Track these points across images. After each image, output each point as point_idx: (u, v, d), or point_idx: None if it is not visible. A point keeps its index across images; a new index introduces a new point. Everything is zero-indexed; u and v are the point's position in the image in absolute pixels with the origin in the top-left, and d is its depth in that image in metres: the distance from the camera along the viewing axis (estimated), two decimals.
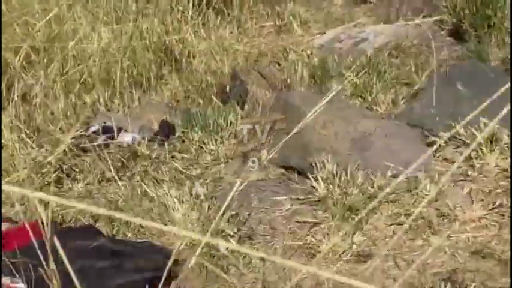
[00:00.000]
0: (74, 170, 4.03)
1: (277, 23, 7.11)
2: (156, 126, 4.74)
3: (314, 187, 3.47)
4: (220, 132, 4.17)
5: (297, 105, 3.85)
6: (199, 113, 4.54)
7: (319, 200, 3.42)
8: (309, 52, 6.30)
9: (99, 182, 3.95)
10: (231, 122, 4.20)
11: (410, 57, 5.68)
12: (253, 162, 3.89)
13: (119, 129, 4.42)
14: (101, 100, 5.27)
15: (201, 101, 5.58)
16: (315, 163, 3.51)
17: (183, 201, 3.43)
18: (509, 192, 3.10)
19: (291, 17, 7.03)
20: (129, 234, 3.40)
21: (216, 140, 4.18)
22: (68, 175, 4.01)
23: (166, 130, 4.59)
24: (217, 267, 3.03)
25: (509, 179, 3.19)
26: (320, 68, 5.71)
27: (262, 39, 7.04)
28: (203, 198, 3.47)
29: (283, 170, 3.87)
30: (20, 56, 5.28)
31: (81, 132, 4.39)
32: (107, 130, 4.32)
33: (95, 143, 4.13)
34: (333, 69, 5.63)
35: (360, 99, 5.00)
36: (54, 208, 3.71)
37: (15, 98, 4.52)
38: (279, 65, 6.40)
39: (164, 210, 3.40)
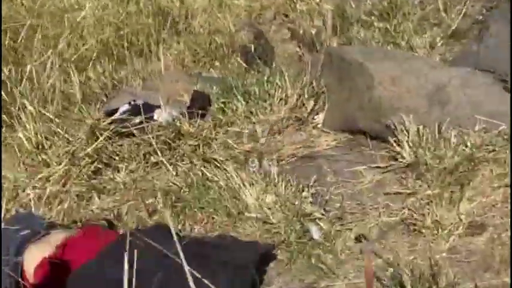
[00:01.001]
0: (113, 158, 3.56)
1: None
2: (185, 98, 4.27)
3: (397, 152, 3.06)
4: (269, 99, 3.71)
5: (359, 61, 3.40)
6: (235, 79, 4.07)
7: (406, 166, 3.01)
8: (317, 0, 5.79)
9: (144, 169, 3.50)
10: (278, 86, 3.73)
11: None
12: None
13: (153, 107, 3.96)
14: (106, 74, 4.75)
15: (217, 63, 5.13)
16: (394, 124, 3.09)
17: (252, 183, 3.00)
18: None
19: None
20: (197, 228, 2.99)
21: (264, 108, 3.73)
22: (107, 164, 3.54)
23: (201, 101, 4.12)
24: (312, 256, 2.63)
25: None
26: (338, 16, 5.23)
27: None
28: (275, 177, 3.05)
29: (349, 135, 3.46)
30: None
31: (108, 114, 3.92)
32: (139, 109, 3.84)
33: (133, 126, 3.66)
34: (352, 16, 5.14)
35: (392, 45, 4.55)
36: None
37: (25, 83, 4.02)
38: (287, 16, 5.93)
39: (232, 196, 2.97)
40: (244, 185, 2.98)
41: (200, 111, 3.96)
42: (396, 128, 3.08)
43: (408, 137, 3.01)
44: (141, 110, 3.87)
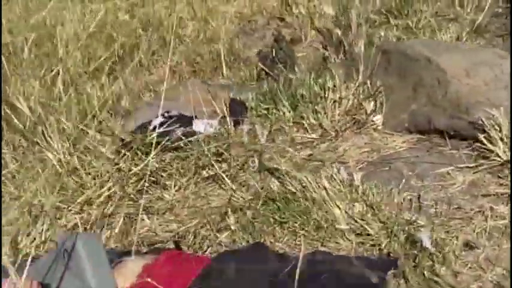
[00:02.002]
0: (160, 175, 3.22)
1: None
2: (216, 108, 3.95)
3: (489, 150, 2.79)
4: (321, 102, 3.41)
5: (426, 55, 3.13)
6: (274, 84, 3.77)
7: (501, 165, 2.74)
8: (316, 2, 5.54)
9: (196, 184, 3.16)
10: (328, 88, 3.44)
11: None
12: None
13: (188, 118, 3.63)
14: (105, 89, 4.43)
15: (227, 71, 4.85)
16: (481, 120, 2.83)
17: (335, 193, 2.69)
18: None
19: None
20: (279, 245, 2.67)
21: (316, 112, 3.43)
22: (155, 182, 3.19)
23: (239, 109, 3.81)
24: (425, 268, 2.33)
25: None
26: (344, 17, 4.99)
27: None
28: (358, 184, 2.75)
29: (419, 136, 3.19)
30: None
31: (140, 128, 3.58)
32: (175, 121, 3.51)
33: (177, 139, 3.33)
34: (361, 15, 4.90)
35: None
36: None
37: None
38: (282, 21, 5.68)
39: (317, 207, 2.66)
40: (328, 194, 2.65)
41: (238, 119, 3.64)
42: (484, 123, 2.79)
43: (501, 133, 2.73)
44: (175, 121, 3.51)
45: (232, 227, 2.77)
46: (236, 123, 3.62)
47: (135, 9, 5.90)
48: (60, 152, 3.38)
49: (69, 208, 3.12)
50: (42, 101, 3.71)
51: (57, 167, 3.31)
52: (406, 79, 3.25)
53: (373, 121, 3.35)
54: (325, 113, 3.43)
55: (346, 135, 3.35)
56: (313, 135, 3.42)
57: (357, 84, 3.44)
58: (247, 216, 2.78)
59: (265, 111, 3.63)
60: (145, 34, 5.35)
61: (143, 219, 3.06)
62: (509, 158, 2.73)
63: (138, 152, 3.33)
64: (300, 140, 3.43)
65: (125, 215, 3.07)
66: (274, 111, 3.59)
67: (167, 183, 3.24)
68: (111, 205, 3.10)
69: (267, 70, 4.53)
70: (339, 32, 4.56)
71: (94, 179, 3.26)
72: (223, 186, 3.18)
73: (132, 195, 3.17)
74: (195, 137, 3.38)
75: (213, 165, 3.22)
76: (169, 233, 2.94)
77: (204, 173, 3.23)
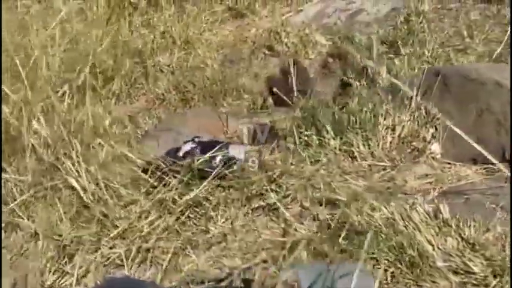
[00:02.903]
0: (203, 205, 2.87)
1: (232, 6, 6.03)
2: (244, 134, 3.64)
3: None
4: (372, 129, 3.14)
5: (495, 79, 2.91)
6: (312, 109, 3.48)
7: None
8: (307, 31, 5.31)
9: (245, 215, 2.82)
10: (381, 114, 3.17)
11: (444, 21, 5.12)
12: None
13: (225, 144, 3.30)
14: None
15: (226, 99, 4.57)
16: None
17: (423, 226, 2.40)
18: None
19: None
20: None
21: (365, 138, 3.15)
22: (197, 213, 2.84)
23: (268, 135, 3.50)
24: None
25: None
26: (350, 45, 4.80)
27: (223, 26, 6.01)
28: (447, 217, 2.46)
29: (488, 165, 2.94)
30: None
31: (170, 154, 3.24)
32: (207, 147, 3.18)
33: (216, 166, 3.00)
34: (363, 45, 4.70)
35: None
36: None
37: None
38: (271, 50, 5.44)
39: (408, 242, 2.36)
40: (417, 227, 2.35)
41: (269, 145, 3.33)
42: None
43: None
44: (206, 148, 3.20)
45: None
46: (272, 151, 3.29)
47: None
48: (84, 178, 2.98)
49: (104, 241, 2.72)
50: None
51: (83, 195, 2.90)
52: (468, 105, 2.98)
53: (430, 149, 3.07)
54: (377, 141, 3.12)
55: (403, 164, 3.04)
56: (365, 164, 3.09)
57: (411, 110, 3.16)
58: (319, 250, 2.44)
59: (305, 138, 3.27)
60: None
61: (188, 254, 2.69)
62: None
63: (171, 180, 2.96)
64: (349, 168, 3.10)
65: (168, 250, 2.69)
66: (315, 137, 3.24)
67: (212, 214, 2.85)
68: (151, 239, 2.71)
69: (282, 96, 4.22)
70: (361, 57, 4.30)
71: (125, 207, 2.87)
72: (274, 218, 2.83)
73: (175, 227, 2.77)
74: (238, 163, 3.02)
75: (262, 195, 2.86)
76: (218, 270, 2.56)
77: (254, 204, 2.86)
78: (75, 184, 2.98)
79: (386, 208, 2.53)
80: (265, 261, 2.56)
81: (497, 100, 2.92)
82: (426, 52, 4.59)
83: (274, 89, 4.39)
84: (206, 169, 3.02)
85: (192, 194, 2.81)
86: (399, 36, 4.86)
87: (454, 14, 5.41)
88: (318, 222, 2.71)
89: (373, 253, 2.37)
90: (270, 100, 4.66)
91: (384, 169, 3.10)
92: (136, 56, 5.15)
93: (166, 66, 5.17)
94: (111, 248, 2.72)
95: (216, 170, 2.94)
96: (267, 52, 5.50)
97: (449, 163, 3.06)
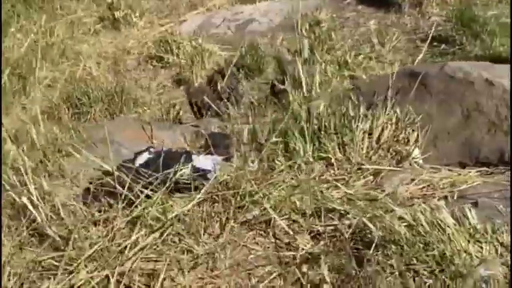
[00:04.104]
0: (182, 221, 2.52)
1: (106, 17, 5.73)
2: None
3: None
4: (349, 134, 2.92)
5: (485, 77, 2.77)
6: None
7: None
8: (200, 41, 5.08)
9: (230, 231, 2.50)
10: (352, 117, 2.96)
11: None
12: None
13: (184, 154, 2.96)
14: None
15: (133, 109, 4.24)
16: None
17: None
18: None
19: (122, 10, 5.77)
20: None
21: (342, 145, 2.93)
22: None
23: (224, 144, 3.21)
24: None
25: None
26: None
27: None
28: (475, 222, 2.27)
29: (480, 168, 2.79)
30: None
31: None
32: (162, 158, 2.82)
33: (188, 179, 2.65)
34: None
35: None
36: None
37: None
38: (160, 60, 5.16)
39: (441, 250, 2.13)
40: (448, 235, 2.13)
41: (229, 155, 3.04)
42: None
43: None
44: (174, 158, 2.84)
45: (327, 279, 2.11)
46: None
47: None
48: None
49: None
50: None
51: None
52: (451, 106, 2.82)
53: (412, 154, 2.88)
54: (352, 146, 2.89)
55: (385, 170, 2.82)
56: (343, 172, 2.84)
57: (386, 113, 2.95)
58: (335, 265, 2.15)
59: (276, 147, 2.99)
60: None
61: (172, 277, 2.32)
62: None
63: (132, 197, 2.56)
64: (328, 177, 2.84)
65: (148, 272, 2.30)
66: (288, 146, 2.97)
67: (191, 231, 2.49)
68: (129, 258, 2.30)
69: (212, 105, 3.92)
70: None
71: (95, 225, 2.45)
72: (261, 232, 2.51)
73: (155, 247, 2.37)
74: (211, 175, 2.67)
75: (247, 208, 2.54)
76: None
77: (240, 217, 2.52)
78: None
79: (407, 215, 2.25)
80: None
81: (488, 99, 2.75)
82: (348, 59, 4.43)
83: (205, 98, 4.03)
84: (181, 181, 2.62)
85: (179, 210, 2.39)
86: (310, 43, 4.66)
87: (352, 22, 5.36)
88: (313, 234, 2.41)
89: (410, 264, 2.09)
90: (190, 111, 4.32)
91: (365, 176, 2.85)
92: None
93: (46, 78, 4.65)
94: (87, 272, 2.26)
95: (191, 183, 2.54)
96: (156, 64, 5.17)
97: (433, 167, 2.84)
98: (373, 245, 2.16)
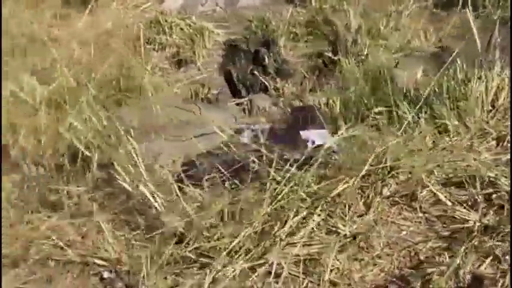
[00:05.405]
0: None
1: None
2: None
3: None
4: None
5: None
6: None
7: None
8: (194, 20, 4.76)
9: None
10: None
11: None
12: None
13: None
14: None
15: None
16: None
17: None
18: None
19: None
20: None
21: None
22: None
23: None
24: None
25: None
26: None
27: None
28: None
29: None
30: None
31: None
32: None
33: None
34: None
35: None
36: None
37: None
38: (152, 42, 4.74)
39: None
40: None
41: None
42: None
43: None
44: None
45: None
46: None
47: None
48: None
49: None
50: None
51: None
52: None
53: None
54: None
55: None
56: (460, 138, 2.66)
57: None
58: None
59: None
60: None
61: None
62: None
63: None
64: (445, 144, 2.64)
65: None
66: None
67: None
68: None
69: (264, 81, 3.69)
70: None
71: None
72: (405, 207, 2.31)
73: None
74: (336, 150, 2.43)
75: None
76: None
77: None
78: None
79: None
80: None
81: None
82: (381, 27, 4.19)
83: (256, 73, 3.80)
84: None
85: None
86: None
87: None
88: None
89: None
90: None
91: (488, 142, 2.66)
92: None
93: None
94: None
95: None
96: (154, 47, 4.76)
97: None
98: None
